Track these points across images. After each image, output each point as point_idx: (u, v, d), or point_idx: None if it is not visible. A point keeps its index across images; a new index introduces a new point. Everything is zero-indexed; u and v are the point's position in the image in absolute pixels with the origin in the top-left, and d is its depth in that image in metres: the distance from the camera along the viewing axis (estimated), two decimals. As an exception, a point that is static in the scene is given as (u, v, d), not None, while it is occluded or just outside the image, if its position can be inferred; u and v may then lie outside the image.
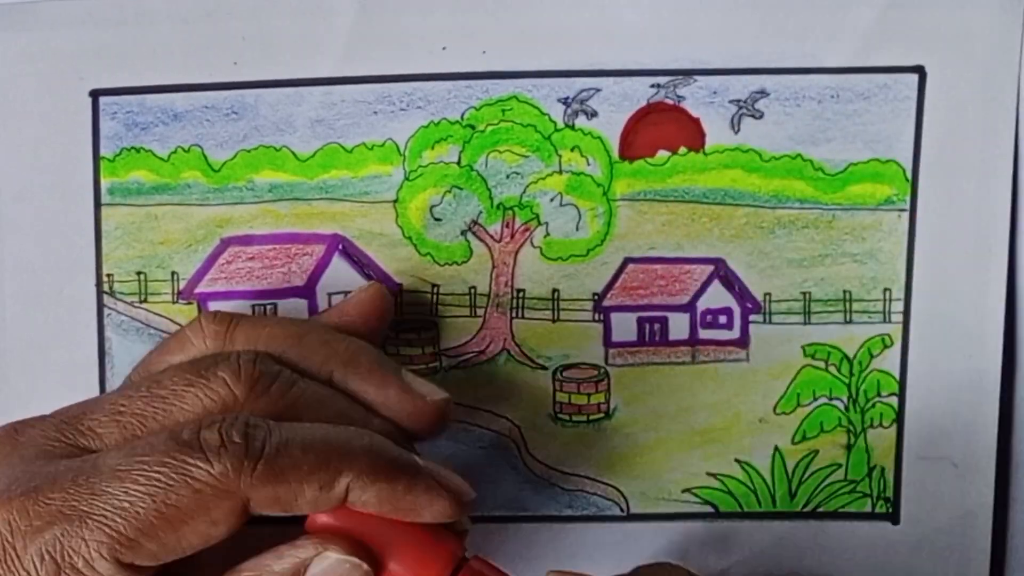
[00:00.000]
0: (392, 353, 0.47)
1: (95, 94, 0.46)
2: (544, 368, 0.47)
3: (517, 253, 0.47)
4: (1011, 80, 0.46)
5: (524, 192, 0.47)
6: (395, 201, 0.47)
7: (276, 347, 0.41)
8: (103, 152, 0.46)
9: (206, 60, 0.46)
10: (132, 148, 0.46)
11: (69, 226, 0.47)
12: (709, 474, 0.48)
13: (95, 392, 0.47)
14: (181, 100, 0.46)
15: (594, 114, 0.46)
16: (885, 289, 0.47)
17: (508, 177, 0.46)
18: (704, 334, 0.47)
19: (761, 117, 0.46)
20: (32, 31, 0.46)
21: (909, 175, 0.46)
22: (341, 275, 0.47)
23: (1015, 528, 0.48)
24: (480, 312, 0.47)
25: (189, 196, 0.47)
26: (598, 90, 0.46)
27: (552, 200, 0.47)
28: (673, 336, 0.47)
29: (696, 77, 0.46)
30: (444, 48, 0.46)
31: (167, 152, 0.46)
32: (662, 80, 0.46)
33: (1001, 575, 0.48)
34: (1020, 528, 0.48)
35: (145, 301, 0.47)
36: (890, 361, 0.47)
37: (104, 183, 0.47)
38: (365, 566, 0.37)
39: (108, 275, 0.47)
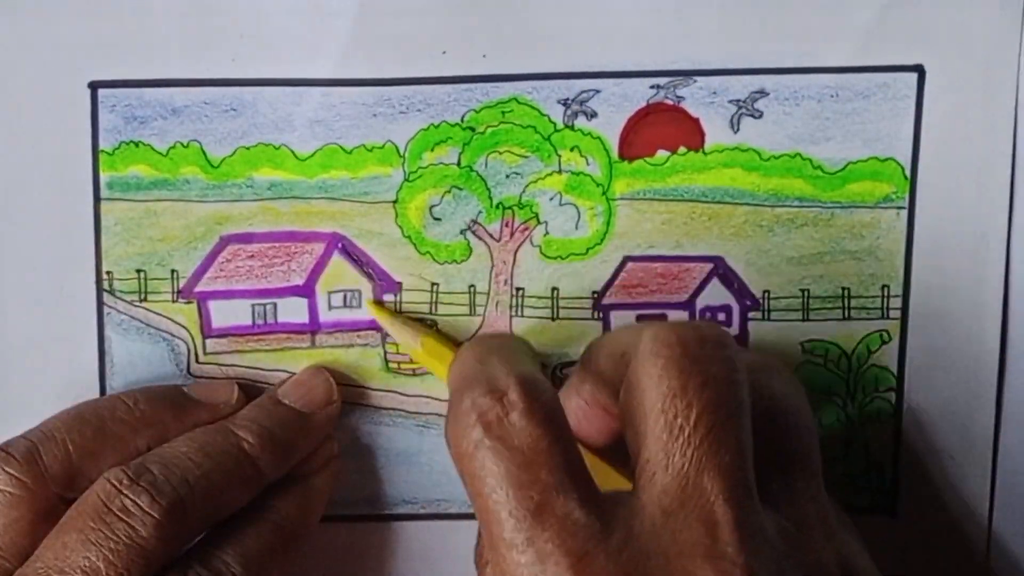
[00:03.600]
0: (392, 352, 0.47)
1: (94, 86, 0.46)
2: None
3: (517, 252, 0.47)
4: (1010, 79, 0.46)
5: (524, 192, 0.47)
6: (394, 201, 0.47)
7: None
8: (102, 145, 0.46)
9: (205, 56, 0.46)
10: (131, 142, 0.46)
11: (69, 221, 0.47)
12: (708, 469, 0.48)
13: (95, 391, 0.47)
14: (180, 95, 0.46)
15: (594, 115, 0.46)
16: (883, 286, 0.47)
17: (508, 177, 0.46)
18: (704, 331, 0.47)
19: (760, 116, 0.46)
20: (31, 21, 0.46)
21: (908, 173, 0.46)
22: (340, 274, 0.47)
23: (1000, 515, 0.48)
24: (479, 310, 0.47)
25: (188, 192, 0.47)
26: (598, 91, 0.46)
27: (552, 199, 0.47)
28: (673, 334, 0.48)
29: (696, 78, 0.46)
30: (444, 52, 0.46)
31: (166, 147, 0.46)
32: (662, 81, 0.46)
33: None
34: (1005, 515, 0.48)
35: (145, 300, 0.47)
36: (888, 357, 0.47)
37: (103, 177, 0.46)
38: None
39: (108, 272, 0.47)
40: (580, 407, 0.41)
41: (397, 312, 0.47)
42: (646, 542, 0.34)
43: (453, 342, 0.47)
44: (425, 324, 0.47)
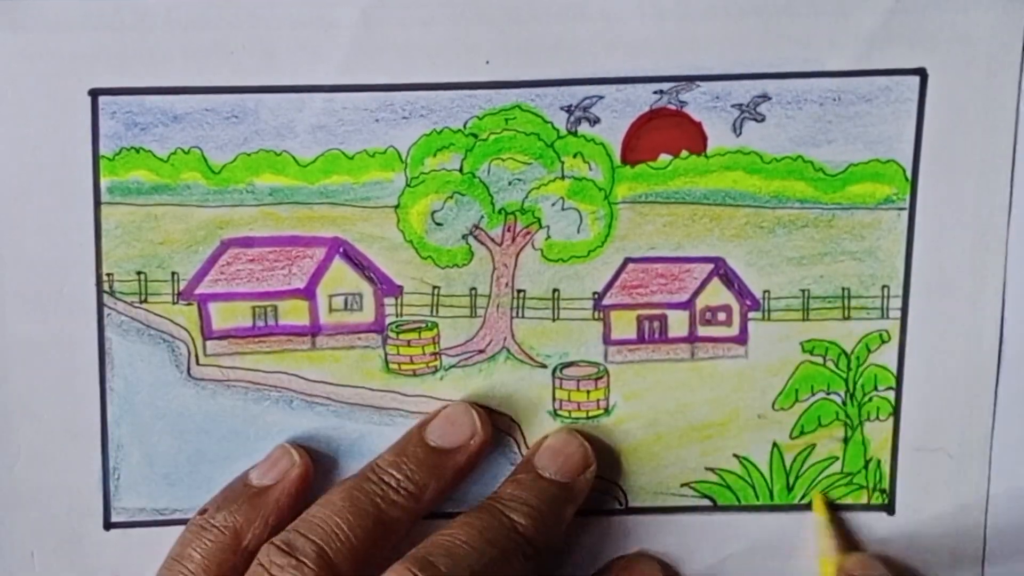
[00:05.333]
0: (392, 354, 0.48)
1: (94, 93, 0.46)
2: (544, 366, 0.48)
3: (518, 255, 0.47)
4: (1012, 82, 0.46)
5: (526, 197, 0.46)
6: (396, 206, 0.46)
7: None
8: (103, 151, 0.46)
9: (205, 64, 0.45)
10: (132, 148, 0.46)
11: (69, 224, 0.46)
12: (707, 468, 0.48)
13: (95, 391, 0.47)
14: (181, 102, 0.46)
15: (597, 121, 0.46)
16: (883, 286, 0.47)
17: (510, 183, 0.46)
18: (703, 331, 0.48)
19: (763, 120, 0.46)
20: (32, 30, 0.45)
21: (909, 175, 0.46)
22: (341, 277, 0.47)
23: (996, 512, 0.48)
24: (480, 312, 0.47)
25: (189, 197, 0.46)
26: (601, 97, 0.46)
27: (554, 205, 0.47)
28: (672, 333, 0.48)
29: (698, 83, 0.46)
30: (447, 58, 0.45)
31: (167, 153, 0.46)
32: (665, 86, 0.46)
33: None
34: (1001, 512, 0.48)
35: (145, 301, 0.47)
36: (887, 356, 0.48)
37: (104, 182, 0.46)
38: None
39: (108, 274, 0.47)
40: None
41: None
42: None
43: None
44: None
